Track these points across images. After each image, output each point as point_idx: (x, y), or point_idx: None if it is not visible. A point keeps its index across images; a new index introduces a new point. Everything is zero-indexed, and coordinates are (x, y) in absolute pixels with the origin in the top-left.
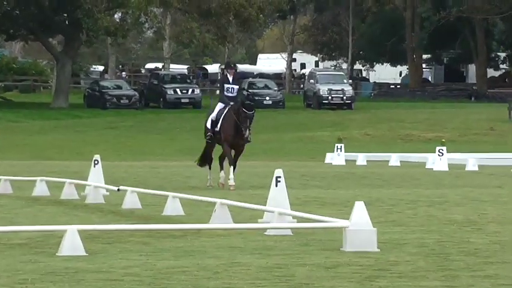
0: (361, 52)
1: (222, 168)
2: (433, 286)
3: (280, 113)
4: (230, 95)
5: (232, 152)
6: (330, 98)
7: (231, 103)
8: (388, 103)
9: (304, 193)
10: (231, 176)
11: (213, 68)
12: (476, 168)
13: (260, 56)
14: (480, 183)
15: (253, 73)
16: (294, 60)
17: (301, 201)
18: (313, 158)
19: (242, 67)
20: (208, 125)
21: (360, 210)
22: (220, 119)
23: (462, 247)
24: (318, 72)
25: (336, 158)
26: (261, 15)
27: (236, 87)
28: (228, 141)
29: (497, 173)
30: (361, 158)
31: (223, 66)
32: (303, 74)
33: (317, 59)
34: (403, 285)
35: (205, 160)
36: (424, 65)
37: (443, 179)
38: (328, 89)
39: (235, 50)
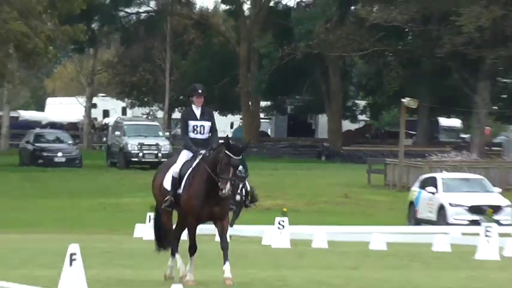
0: (181, 97)
1: (177, 250)
2: None
3: (76, 173)
4: (199, 136)
5: (201, 228)
6: (141, 154)
7: (202, 151)
8: None
9: (107, 274)
10: (226, 269)
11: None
12: (326, 245)
13: (49, 100)
14: (329, 263)
15: (41, 122)
16: (95, 106)
17: (102, 284)
18: (118, 231)
19: (26, 114)
20: (167, 185)
21: None
22: (185, 176)
23: None
24: (125, 122)
25: (147, 230)
26: (50, 48)
27: (208, 124)
28: (195, 213)
29: (351, 251)
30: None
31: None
32: (106, 124)
33: (124, 104)
34: None
35: (164, 239)
36: (262, 115)
37: (284, 258)
38: (139, 144)
39: (17, 92)
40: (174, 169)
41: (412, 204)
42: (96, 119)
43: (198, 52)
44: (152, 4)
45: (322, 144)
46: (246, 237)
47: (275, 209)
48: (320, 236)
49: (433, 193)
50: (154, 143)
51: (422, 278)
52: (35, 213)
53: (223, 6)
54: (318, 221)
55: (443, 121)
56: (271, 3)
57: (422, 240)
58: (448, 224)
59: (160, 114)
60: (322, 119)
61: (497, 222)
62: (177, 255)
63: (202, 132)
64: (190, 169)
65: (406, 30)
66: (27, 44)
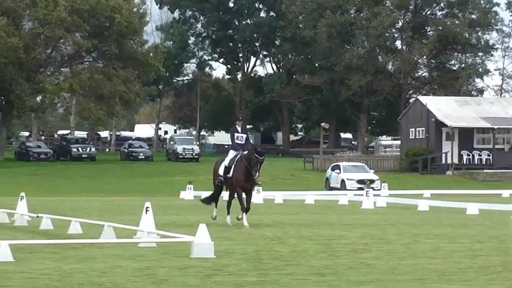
0: (205, 123)
1: (229, 212)
2: (251, 281)
3: (150, 164)
4: (240, 142)
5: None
6: (184, 154)
7: (241, 152)
8: None
9: (166, 218)
10: (244, 220)
11: (104, 133)
12: (282, 202)
13: (137, 125)
14: (284, 211)
15: (132, 137)
16: (160, 128)
17: (163, 223)
18: (172, 195)
19: (124, 133)
20: (221, 171)
21: (202, 229)
22: (233, 166)
23: (271, 254)
24: (176, 137)
25: (187, 194)
26: (137, 99)
27: (244, 135)
28: (240, 186)
29: (296, 204)
30: (205, 194)
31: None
32: (165, 138)
33: (175, 127)
34: (231, 280)
35: (212, 200)
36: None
37: (260, 209)
38: (183, 148)
39: (120, 121)
40: (225, 163)
41: (327, 179)
42: (160, 135)
43: (214, 100)
44: (190, 75)
45: (279, 147)
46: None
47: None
48: (279, 197)
49: (338, 173)
50: (191, 148)
51: (333, 218)
52: (127, 186)
53: (226, 76)
54: (277, 188)
55: (343, 135)
56: (252, 74)
57: (333, 198)
58: (346, 189)
59: (194, 132)
60: (279, 134)
61: (372, 188)
62: (216, 211)
63: (241, 140)
64: (235, 163)
65: (322, 87)
66: (126, 97)
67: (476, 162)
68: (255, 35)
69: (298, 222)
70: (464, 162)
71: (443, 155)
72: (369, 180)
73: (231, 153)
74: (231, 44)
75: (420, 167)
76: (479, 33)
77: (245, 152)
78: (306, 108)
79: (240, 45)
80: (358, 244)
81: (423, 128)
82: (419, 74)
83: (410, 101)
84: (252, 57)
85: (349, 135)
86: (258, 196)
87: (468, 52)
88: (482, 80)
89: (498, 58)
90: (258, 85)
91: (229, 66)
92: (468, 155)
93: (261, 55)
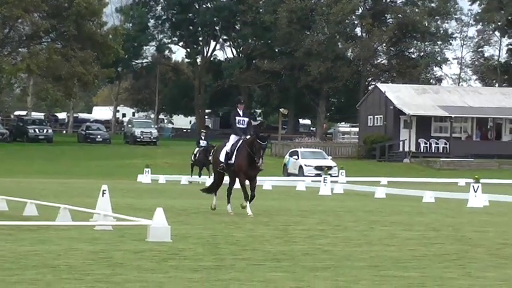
0: (163, 107)
1: (229, 201)
2: (207, 265)
3: (108, 147)
4: (241, 126)
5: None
6: (141, 137)
7: (244, 136)
8: (182, 141)
9: (123, 201)
10: (248, 209)
11: (62, 115)
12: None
13: (95, 107)
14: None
15: (89, 119)
16: (118, 111)
17: (120, 206)
18: (129, 178)
19: (82, 115)
20: (222, 158)
21: (159, 213)
22: (235, 152)
23: (228, 239)
24: (134, 120)
25: (145, 178)
26: (96, 81)
27: (246, 119)
28: (242, 172)
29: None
30: (162, 179)
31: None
32: (123, 120)
33: (134, 110)
34: (187, 264)
35: (212, 189)
36: (206, 116)
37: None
38: (141, 131)
39: (77, 103)
40: (227, 148)
41: (285, 165)
42: (118, 118)
43: (173, 83)
44: (149, 58)
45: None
46: (197, 182)
47: None
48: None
49: (296, 159)
50: (149, 131)
51: (290, 204)
52: (84, 168)
53: (186, 60)
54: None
55: (301, 121)
56: (212, 58)
57: (291, 184)
58: (304, 175)
59: (152, 116)
60: None
61: (330, 174)
62: (215, 199)
63: (243, 124)
64: (236, 148)
65: (282, 73)
66: (84, 78)
67: (433, 151)
68: (215, 19)
69: (255, 207)
70: (422, 150)
71: (401, 143)
72: (326, 166)
73: (232, 138)
74: (191, 28)
75: (378, 154)
76: (439, 22)
77: (247, 137)
78: (265, 93)
79: (200, 28)
80: (315, 230)
81: (381, 116)
82: (379, 61)
83: (369, 88)
84: (211, 41)
85: (307, 122)
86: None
87: (427, 40)
88: (441, 68)
89: (457, 47)
90: (218, 69)
91: (188, 49)
92: (425, 143)
93: (221, 39)
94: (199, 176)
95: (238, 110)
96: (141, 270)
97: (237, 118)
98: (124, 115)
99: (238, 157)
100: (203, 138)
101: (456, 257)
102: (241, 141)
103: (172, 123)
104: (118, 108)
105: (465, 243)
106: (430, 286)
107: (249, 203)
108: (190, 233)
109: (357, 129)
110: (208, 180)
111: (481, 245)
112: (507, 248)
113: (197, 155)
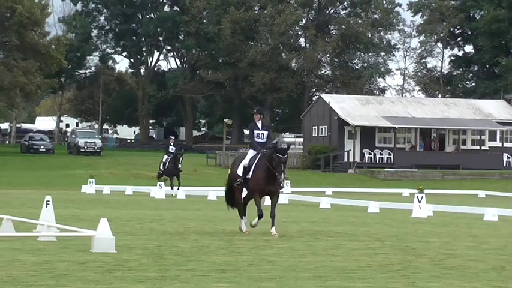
0: (107, 117)
1: (244, 214)
2: (152, 276)
3: (51, 157)
4: (260, 140)
5: (267, 200)
6: (85, 147)
7: (263, 150)
8: (126, 152)
9: (67, 212)
10: (273, 230)
11: (4, 125)
12: (184, 197)
13: (38, 118)
14: (186, 207)
15: (32, 130)
16: (61, 121)
17: (63, 217)
18: (73, 188)
19: (25, 125)
20: (240, 172)
21: (103, 224)
22: (253, 167)
23: (172, 250)
24: (78, 130)
25: (89, 188)
26: (38, 91)
27: (266, 132)
28: (259, 191)
29: (198, 200)
30: (106, 189)
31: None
32: (67, 131)
33: (77, 121)
34: (132, 275)
35: (233, 204)
36: (150, 127)
37: (162, 204)
38: (85, 141)
39: (20, 113)
40: (244, 162)
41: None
42: (62, 128)
43: (117, 94)
44: (93, 68)
45: (182, 143)
46: (141, 193)
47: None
48: (181, 192)
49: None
50: (93, 141)
51: (234, 214)
52: (27, 178)
53: (130, 70)
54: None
55: (246, 131)
56: (155, 69)
57: None
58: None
59: (96, 126)
60: (183, 129)
61: None
62: (243, 217)
63: (262, 138)
64: (255, 162)
65: (226, 83)
66: (27, 89)
67: (377, 161)
68: (158, 29)
69: (200, 218)
70: (366, 161)
71: (346, 153)
72: None
73: (250, 153)
74: (134, 38)
75: (322, 165)
76: (382, 33)
77: (265, 151)
78: (209, 103)
79: (143, 39)
80: (260, 241)
81: (326, 126)
82: (323, 72)
83: (313, 98)
84: (155, 51)
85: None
86: (160, 191)
87: (370, 51)
88: (384, 79)
89: (400, 58)
90: (162, 80)
91: (132, 60)
92: (370, 154)
93: (164, 50)
94: (172, 188)
95: (256, 121)
96: (85, 281)
97: (255, 132)
98: (67, 125)
99: (256, 172)
100: (172, 144)
101: (400, 267)
102: (259, 155)
103: (117, 134)
104: (61, 118)
105: (409, 253)
106: None
107: (272, 221)
108: (135, 244)
109: (301, 139)
110: (179, 191)
111: (425, 255)
112: (451, 258)
113: (166, 164)
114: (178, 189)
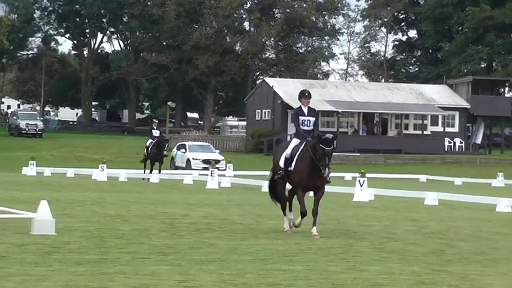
0: (49, 99)
1: (291, 209)
2: (92, 259)
3: None
4: (306, 128)
5: (310, 196)
6: (27, 129)
7: (308, 138)
8: (68, 134)
9: (6, 194)
10: (314, 228)
11: None
12: (126, 180)
13: None
14: (128, 189)
15: None
16: (3, 103)
17: (3, 199)
18: (13, 170)
19: None
20: (281, 163)
21: (44, 206)
22: (295, 157)
23: (113, 233)
24: (19, 112)
25: (30, 170)
26: None
27: (313, 119)
28: (303, 185)
29: (140, 183)
30: (48, 171)
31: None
32: (8, 112)
33: (19, 102)
34: (72, 257)
35: (277, 198)
36: (93, 109)
37: (103, 186)
38: (26, 123)
39: None
40: (287, 152)
41: (172, 158)
42: (3, 109)
43: (59, 75)
44: (35, 49)
45: (125, 125)
46: (82, 175)
47: (99, 160)
48: (123, 175)
49: (184, 152)
50: (34, 123)
51: (177, 197)
52: None
53: (73, 52)
54: (122, 167)
55: (189, 114)
56: (99, 51)
57: (178, 177)
58: (191, 169)
59: (38, 108)
60: (125, 112)
61: (217, 168)
62: (287, 214)
63: (308, 125)
64: (298, 152)
65: (170, 66)
66: None
67: None
68: (102, 11)
69: (141, 200)
70: None
71: (289, 137)
72: (214, 160)
73: (294, 141)
74: (77, 20)
75: (265, 148)
76: (326, 17)
77: (309, 139)
78: (152, 86)
79: (87, 20)
80: (201, 224)
81: (269, 110)
82: (267, 55)
83: (257, 82)
84: (99, 33)
85: (195, 115)
86: (102, 174)
87: (315, 35)
88: (328, 63)
89: (344, 42)
90: (105, 62)
91: (75, 41)
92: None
93: (108, 32)
94: (150, 172)
95: (302, 107)
96: (24, 263)
97: (301, 118)
98: (9, 107)
99: (299, 164)
100: (155, 128)
101: (341, 251)
102: (303, 144)
103: (57, 116)
104: (3, 100)
105: (350, 237)
106: (315, 279)
107: (314, 219)
108: (75, 226)
109: (244, 123)
110: (153, 175)
111: (366, 238)
112: (391, 242)
113: (149, 148)
114: (159, 172)
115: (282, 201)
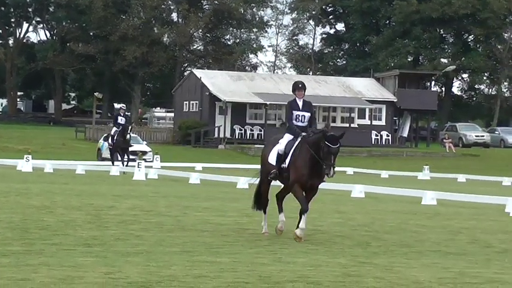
0: None
1: (281, 209)
2: (16, 250)
3: None
4: (300, 124)
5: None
6: None
7: (303, 134)
8: None
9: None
10: (302, 225)
11: None
12: (52, 171)
13: None
14: (53, 180)
15: None
16: None
17: None
18: None
19: None
20: (273, 161)
21: None
22: (290, 153)
23: (38, 224)
24: None
25: None
26: None
27: (308, 114)
28: (301, 182)
29: (66, 174)
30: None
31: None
32: None
33: None
34: None
35: (261, 202)
36: (18, 99)
37: (29, 177)
38: None
39: None
40: (279, 148)
41: (99, 150)
42: None
43: None
44: None
45: (51, 116)
46: (6, 166)
47: (24, 150)
48: (49, 166)
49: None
50: None
51: (103, 189)
52: None
53: None
54: (48, 157)
55: (116, 105)
56: (24, 40)
57: (105, 169)
58: (118, 160)
59: None
60: (51, 102)
61: (144, 159)
62: (282, 214)
63: (303, 120)
64: (293, 148)
65: (97, 57)
66: None
67: (248, 137)
68: (27, 0)
69: (67, 192)
70: (237, 137)
71: (216, 129)
72: (141, 151)
73: (287, 137)
74: (2, 8)
75: (193, 140)
76: (254, 10)
77: (309, 134)
78: (79, 77)
79: (12, 10)
80: (128, 215)
81: (197, 101)
82: (195, 47)
83: (185, 73)
84: (24, 22)
85: (121, 106)
86: (27, 165)
87: (243, 28)
88: (256, 56)
89: (272, 35)
90: (31, 52)
91: (0, 31)
92: (240, 130)
93: (34, 21)
94: (123, 164)
95: (296, 99)
96: None
97: (294, 113)
98: None
99: (297, 161)
100: (122, 114)
101: (268, 243)
102: (299, 138)
103: None
104: None
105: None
106: (242, 271)
107: (302, 216)
108: None
109: (172, 114)
110: (113, 168)
111: (292, 231)
112: (318, 234)
113: (115, 137)
114: (126, 165)
115: (265, 199)
